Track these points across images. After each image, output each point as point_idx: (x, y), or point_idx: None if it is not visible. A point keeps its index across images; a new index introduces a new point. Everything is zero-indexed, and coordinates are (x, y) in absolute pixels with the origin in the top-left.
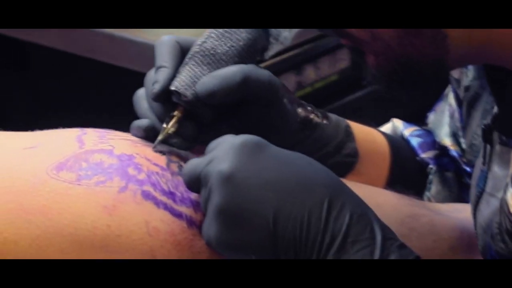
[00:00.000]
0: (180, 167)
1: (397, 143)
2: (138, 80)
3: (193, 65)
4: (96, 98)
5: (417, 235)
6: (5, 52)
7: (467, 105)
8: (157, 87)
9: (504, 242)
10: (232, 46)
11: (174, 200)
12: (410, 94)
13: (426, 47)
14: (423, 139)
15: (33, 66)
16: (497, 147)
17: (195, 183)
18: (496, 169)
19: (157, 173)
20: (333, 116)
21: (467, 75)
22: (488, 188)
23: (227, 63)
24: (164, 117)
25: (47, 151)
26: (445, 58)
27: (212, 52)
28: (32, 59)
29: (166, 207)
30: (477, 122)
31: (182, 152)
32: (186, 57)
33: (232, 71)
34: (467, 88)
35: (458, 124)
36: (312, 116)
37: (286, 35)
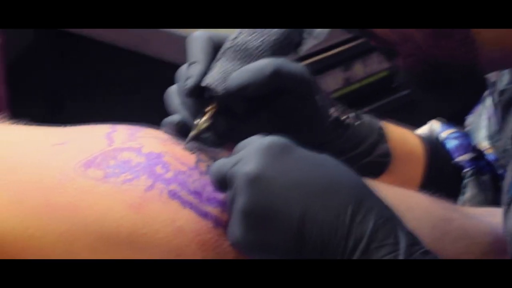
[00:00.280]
0: (208, 166)
1: (432, 146)
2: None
3: (225, 60)
4: (146, 92)
5: (450, 239)
6: (63, 46)
7: (501, 109)
8: (190, 83)
9: None
10: (264, 41)
11: (201, 200)
12: (440, 97)
13: (455, 49)
14: (460, 142)
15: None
16: None
17: (221, 183)
18: None
19: (184, 172)
20: (366, 117)
21: (502, 79)
22: None
23: (258, 58)
24: (196, 113)
25: (76, 148)
26: (476, 61)
27: (243, 47)
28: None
29: (192, 207)
30: (511, 126)
31: (212, 151)
32: (219, 53)
33: (263, 63)
34: (502, 92)
35: (495, 128)
36: (344, 117)
37: (320, 30)
